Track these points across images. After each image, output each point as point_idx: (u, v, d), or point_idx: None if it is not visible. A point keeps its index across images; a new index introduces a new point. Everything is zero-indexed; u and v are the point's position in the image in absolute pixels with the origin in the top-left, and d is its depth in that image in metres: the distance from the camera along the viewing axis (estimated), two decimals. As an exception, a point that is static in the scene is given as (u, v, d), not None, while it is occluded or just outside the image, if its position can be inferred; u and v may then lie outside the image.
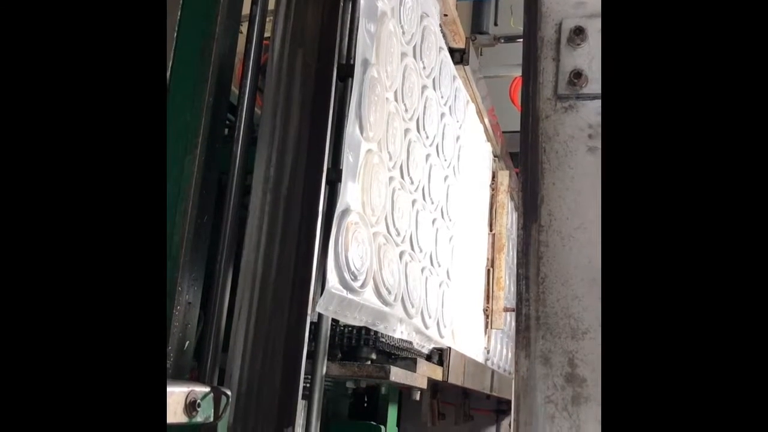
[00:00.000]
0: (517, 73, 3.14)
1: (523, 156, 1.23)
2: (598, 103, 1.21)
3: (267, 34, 1.45)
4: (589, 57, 1.21)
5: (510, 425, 3.57)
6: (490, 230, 2.68)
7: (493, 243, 2.69)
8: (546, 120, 1.22)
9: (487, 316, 2.53)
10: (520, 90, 1.27)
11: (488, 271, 2.62)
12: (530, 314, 1.14)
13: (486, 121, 2.57)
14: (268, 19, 1.46)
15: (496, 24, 5.76)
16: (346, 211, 1.28)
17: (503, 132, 2.96)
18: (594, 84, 1.20)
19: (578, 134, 1.20)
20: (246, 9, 1.50)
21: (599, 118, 1.21)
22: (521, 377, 1.11)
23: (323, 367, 1.30)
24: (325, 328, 1.32)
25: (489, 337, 2.55)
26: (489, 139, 2.72)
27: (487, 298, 2.56)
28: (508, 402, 3.40)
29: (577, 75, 1.20)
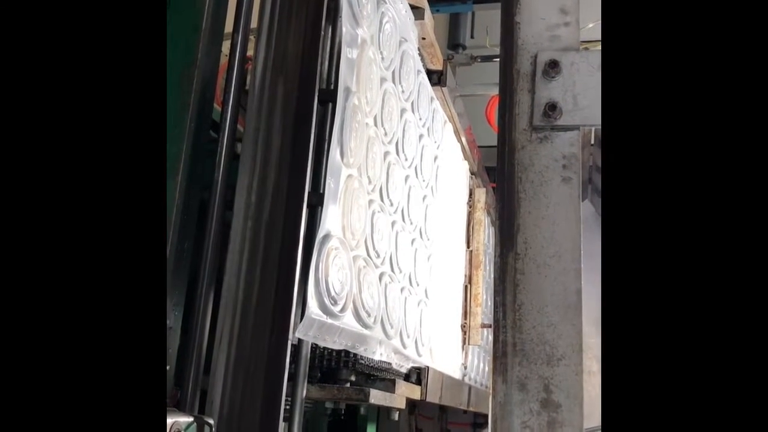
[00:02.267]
0: (493, 91, 3.19)
1: (500, 185, 1.26)
2: (572, 134, 1.25)
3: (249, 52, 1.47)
4: (563, 89, 1.25)
5: (486, 439, 3.60)
6: (468, 247, 2.71)
7: (470, 259, 2.73)
8: (522, 150, 1.26)
9: (464, 332, 2.56)
10: (497, 120, 1.31)
11: (466, 287, 2.65)
12: (507, 340, 1.17)
13: (463, 139, 2.61)
14: (250, 37, 1.48)
15: (472, 37, 5.84)
16: (326, 237, 1.30)
17: (479, 147, 3.01)
18: (568, 116, 1.24)
19: (553, 164, 1.24)
20: (228, 27, 1.52)
21: (573, 149, 1.25)
22: (498, 402, 1.14)
23: (303, 390, 1.31)
24: (306, 351, 1.33)
25: (466, 353, 2.58)
26: (466, 157, 2.76)
27: (465, 314, 2.59)
28: (485, 416, 3.43)
29: (552, 107, 1.24)
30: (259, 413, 1.21)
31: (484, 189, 2.91)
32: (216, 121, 1.45)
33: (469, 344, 2.55)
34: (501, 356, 1.17)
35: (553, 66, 1.25)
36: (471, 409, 2.69)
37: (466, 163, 2.76)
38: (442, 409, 3.06)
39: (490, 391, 1.17)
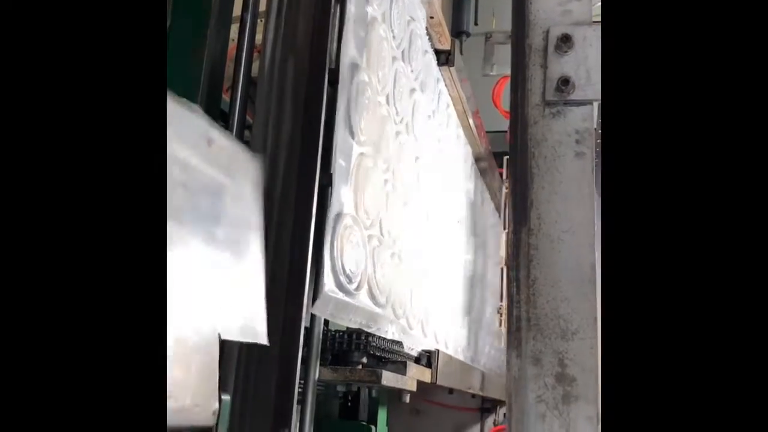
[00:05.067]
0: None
1: (513, 161, 1.26)
2: (585, 109, 1.24)
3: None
4: (576, 64, 1.25)
5: (494, 423, 3.62)
6: (504, 228, 2.67)
7: (507, 241, 2.69)
8: (534, 126, 1.25)
9: (500, 315, 2.54)
10: (509, 96, 1.30)
11: (501, 269, 2.61)
12: (521, 315, 1.17)
13: (470, 122, 2.60)
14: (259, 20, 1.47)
15: (476, 23, 5.78)
16: (340, 215, 1.30)
17: (487, 132, 2.99)
18: (581, 90, 1.24)
19: (566, 140, 1.24)
20: (236, 11, 1.51)
21: (586, 124, 1.24)
22: (513, 377, 1.14)
23: (316, 372, 1.31)
24: (318, 332, 1.33)
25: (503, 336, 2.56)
26: (473, 141, 2.75)
27: (502, 296, 2.55)
28: (493, 400, 3.44)
29: (565, 82, 1.23)
30: (273, 394, 1.21)
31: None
32: (224, 110, 1.44)
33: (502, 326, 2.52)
34: (515, 331, 1.17)
35: (566, 40, 1.25)
36: (481, 393, 2.70)
37: (468, 147, 2.75)
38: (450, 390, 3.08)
39: (505, 366, 1.17)
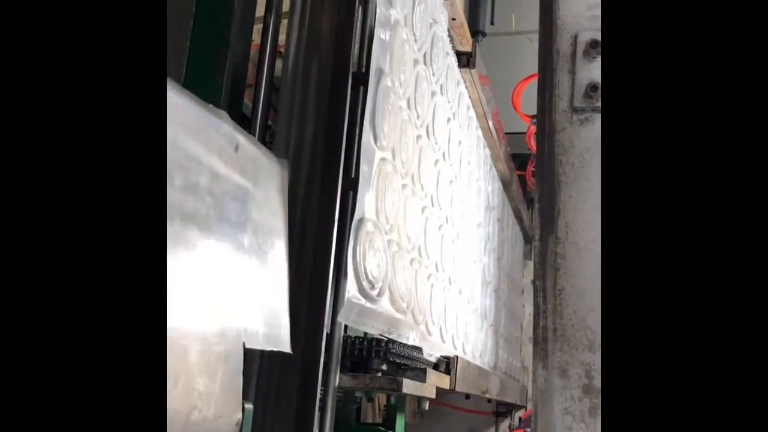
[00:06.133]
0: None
1: (540, 168, 1.24)
2: (614, 115, 1.22)
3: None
4: (605, 70, 1.22)
5: (509, 427, 3.59)
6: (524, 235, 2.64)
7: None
8: (562, 132, 1.23)
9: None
10: (536, 101, 1.28)
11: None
12: (548, 326, 1.15)
13: (490, 124, 2.58)
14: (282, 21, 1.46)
15: (492, 23, 5.75)
16: (362, 221, 1.29)
17: (506, 134, 2.97)
18: (610, 97, 1.21)
19: (594, 147, 1.21)
20: (259, 11, 1.50)
21: (615, 131, 1.22)
22: (539, 388, 1.12)
23: (336, 379, 1.29)
24: (338, 339, 1.32)
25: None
26: (492, 143, 2.73)
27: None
28: (508, 404, 3.42)
29: (594, 88, 1.21)
30: (295, 401, 1.20)
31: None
32: (246, 114, 1.43)
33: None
34: (542, 342, 1.15)
35: (594, 46, 1.23)
36: (496, 398, 2.68)
37: (488, 150, 2.73)
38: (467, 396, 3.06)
39: (530, 377, 1.15)
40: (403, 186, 1.53)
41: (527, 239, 3.97)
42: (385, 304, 1.32)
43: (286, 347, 1.10)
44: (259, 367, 1.18)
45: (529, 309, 3.91)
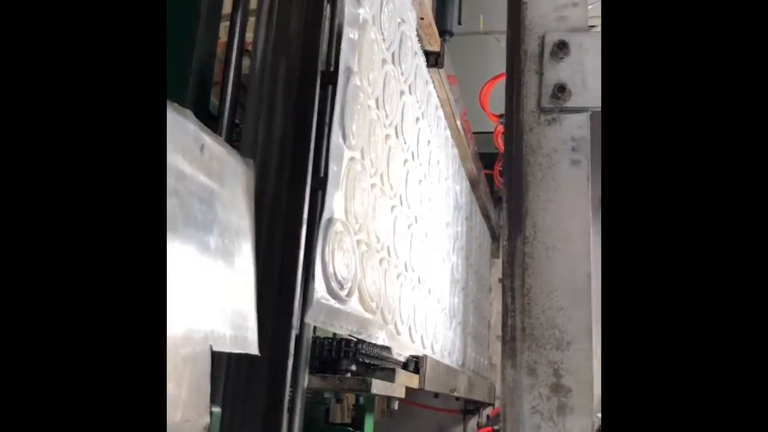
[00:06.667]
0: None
1: (507, 168, 1.24)
2: (581, 116, 1.23)
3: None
4: (572, 71, 1.23)
5: (477, 425, 3.62)
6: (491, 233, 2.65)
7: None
8: (530, 132, 1.24)
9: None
10: (504, 101, 1.28)
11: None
12: (516, 325, 1.16)
13: (458, 123, 2.59)
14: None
15: (460, 23, 5.78)
16: (330, 220, 1.28)
17: (474, 133, 2.99)
18: (577, 97, 1.23)
19: (561, 147, 1.22)
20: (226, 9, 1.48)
21: (582, 131, 1.23)
22: (508, 387, 1.13)
23: (305, 380, 1.28)
24: (307, 339, 1.31)
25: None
26: (460, 142, 2.74)
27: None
28: (476, 402, 3.44)
29: (561, 89, 1.22)
30: (263, 404, 1.19)
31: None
32: (212, 113, 1.41)
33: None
34: (510, 341, 1.15)
35: (562, 47, 1.24)
36: (464, 396, 2.69)
37: (456, 149, 2.74)
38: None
39: (498, 375, 1.16)
40: (372, 185, 1.53)
41: (494, 237, 4.00)
42: (354, 305, 1.32)
43: (254, 349, 1.08)
44: (226, 369, 1.16)
45: (496, 307, 3.94)
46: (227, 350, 1.00)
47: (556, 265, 1.17)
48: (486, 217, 3.69)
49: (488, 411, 3.59)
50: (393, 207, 1.72)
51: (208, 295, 0.96)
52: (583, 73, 1.23)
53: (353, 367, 1.47)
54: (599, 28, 1.24)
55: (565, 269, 1.16)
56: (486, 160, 3.36)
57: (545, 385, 1.12)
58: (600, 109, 1.25)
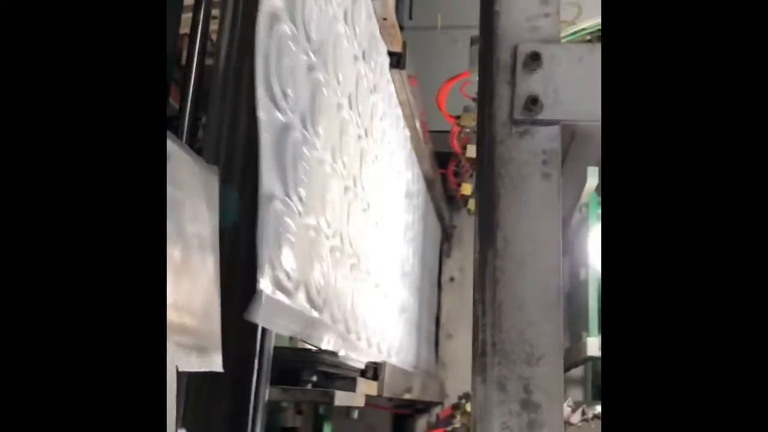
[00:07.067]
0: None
1: (480, 179, 1.23)
2: (552, 129, 1.23)
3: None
4: (544, 82, 1.22)
5: (428, 425, 3.63)
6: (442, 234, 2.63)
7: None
8: (501, 144, 1.22)
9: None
10: (476, 111, 1.27)
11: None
12: (486, 339, 1.14)
13: (417, 124, 2.57)
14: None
15: (410, 17, 5.75)
16: (270, 197, 1.14)
17: (430, 131, 2.97)
18: (549, 110, 1.22)
19: (533, 160, 1.21)
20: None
21: (553, 144, 1.22)
22: (478, 403, 1.12)
23: (266, 393, 1.23)
24: (268, 351, 1.26)
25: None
26: (418, 142, 2.73)
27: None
28: (425, 402, 3.44)
29: (533, 101, 1.21)
30: (227, 420, 1.15)
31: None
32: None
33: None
34: (480, 355, 1.14)
35: (535, 58, 1.22)
36: (417, 398, 2.69)
37: (413, 151, 2.72)
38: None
39: (471, 392, 1.14)
40: (320, 161, 1.41)
41: (446, 237, 4.02)
42: (300, 300, 1.23)
43: (218, 366, 1.04)
44: (187, 388, 1.11)
45: (446, 305, 3.96)
46: (193, 370, 0.95)
47: (527, 279, 1.16)
48: (440, 216, 3.69)
49: (438, 410, 3.60)
50: (346, 188, 1.62)
51: (173, 313, 0.91)
52: (555, 85, 1.22)
53: (314, 378, 1.42)
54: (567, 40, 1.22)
55: (535, 283, 1.16)
56: (441, 159, 3.35)
57: (515, 401, 1.11)
58: (572, 122, 1.25)
